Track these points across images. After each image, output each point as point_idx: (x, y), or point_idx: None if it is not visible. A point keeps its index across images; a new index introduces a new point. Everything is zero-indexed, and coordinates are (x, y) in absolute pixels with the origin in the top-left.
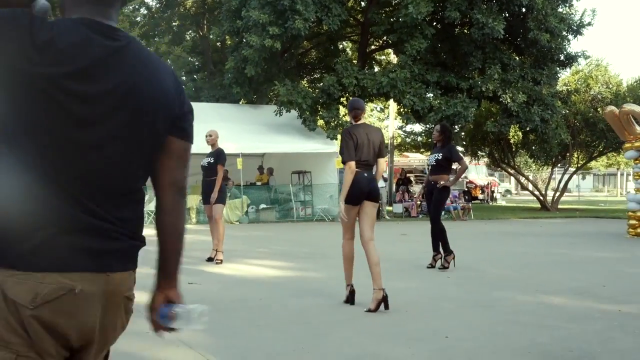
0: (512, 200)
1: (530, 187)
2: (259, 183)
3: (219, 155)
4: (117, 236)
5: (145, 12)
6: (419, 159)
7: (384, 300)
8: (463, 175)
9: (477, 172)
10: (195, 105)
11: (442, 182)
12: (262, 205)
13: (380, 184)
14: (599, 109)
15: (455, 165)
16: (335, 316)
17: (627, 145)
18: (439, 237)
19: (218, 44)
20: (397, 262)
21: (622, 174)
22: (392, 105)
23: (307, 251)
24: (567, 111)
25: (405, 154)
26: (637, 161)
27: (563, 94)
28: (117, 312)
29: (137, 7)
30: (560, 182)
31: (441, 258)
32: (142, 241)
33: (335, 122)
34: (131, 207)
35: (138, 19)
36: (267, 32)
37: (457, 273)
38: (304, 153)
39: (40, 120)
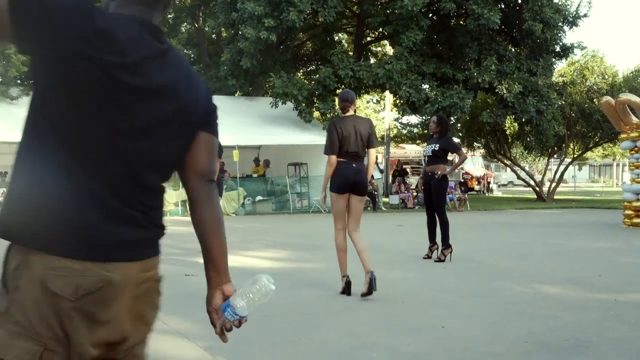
0: (508, 191)
1: (525, 176)
2: (255, 175)
3: None
4: (149, 225)
5: None
6: (415, 151)
7: (371, 281)
8: (460, 166)
9: (473, 163)
10: None
11: (439, 172)
12: (259, 197)
13: (377, 175)
14: (594, 100)
15: (451, 157)
16: (332, 307)
17: (622, 135)
18: (441, 230)
19: (213, 36)
20: (394, 253)
21: (617, 165)
22: (388, 96)
23: (303, 242)
24: (563, 102)
25: (402, 145)
26: (633, 152)
27: (559, 85)
28: (151, 297)
29: None
30: (556, 173)
31: (437, 249)
32: (165, 229)
33: (331, 114)
34: (160, 198)
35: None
36: (263, 24)
37: (453, 264)
38: (300, 145)
39: (89, 106)
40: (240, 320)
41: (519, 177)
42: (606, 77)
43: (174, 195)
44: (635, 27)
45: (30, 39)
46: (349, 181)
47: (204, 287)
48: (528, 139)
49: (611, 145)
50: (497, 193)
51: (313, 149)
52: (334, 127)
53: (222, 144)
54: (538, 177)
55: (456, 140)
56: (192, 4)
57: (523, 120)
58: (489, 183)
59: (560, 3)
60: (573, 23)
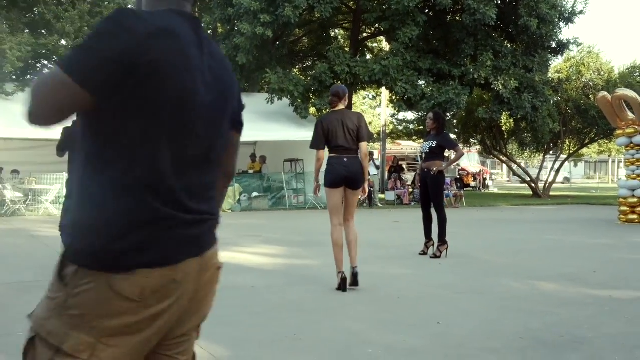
0: (504, 188)
1: (521, 173)
2: (251, 171)
3: None
4: (209, 218)
5: None
6: (411, 147)
7: (354, 276)
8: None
9: (469, 159)
10: None
11: (435, 169)
12: (255, 194)
13: (373, 171)
14: (590, 96)
15: (447, 153)
16: (327, 303)
17: (618, 132)
18: (438, 226)
19: (210, 31)
20: (390, 249)
21: (613, 161)
22: (385, 92)
23: (299, 239)
24: (559, 98)
25: (398, 141)
26: (629, 148)
27: (555, 82)
28: (211, 285)
29: None
30: (551, 169)
31: (433, 246)
32: (220, 215)
33: (328, 110)
34: (215, 189)
35: (130, 6)
36: (259, 19)
37: (449, 260)
38: (296, 141)
39: (147, 104)
40: None
41: (514, 174)
42: (602, 73)
43: None
44: (631, 23)
45: (110, 92)
46: (340, 175)
47: None
48: (523, 136)
49: (607, 141)
50: (493, 189)
51: (309, 145)
52: (320, 123)
53: None
54: (534, 174)
55: (452, 136)
56: None
57: (519, 116)
58: (484, 179)
59: None
60: (569, 20)
